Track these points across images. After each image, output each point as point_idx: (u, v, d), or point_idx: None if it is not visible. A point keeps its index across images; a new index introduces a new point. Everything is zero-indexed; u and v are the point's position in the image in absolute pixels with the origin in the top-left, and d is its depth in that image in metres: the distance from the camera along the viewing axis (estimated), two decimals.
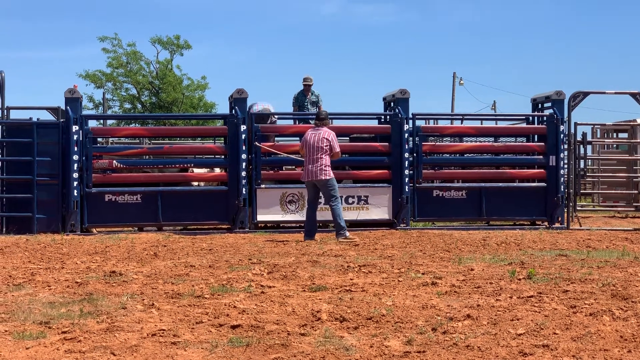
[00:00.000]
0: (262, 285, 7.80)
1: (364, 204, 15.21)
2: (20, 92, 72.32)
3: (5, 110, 15.54)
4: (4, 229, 14.46)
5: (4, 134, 14.77)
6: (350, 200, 15.17)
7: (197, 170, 15.95)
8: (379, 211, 15.20)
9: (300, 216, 14.88)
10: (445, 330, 5.73)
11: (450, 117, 21.65)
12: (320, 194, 13.18)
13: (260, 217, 14.99)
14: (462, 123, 17.98)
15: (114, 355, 5.12)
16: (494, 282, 7.90)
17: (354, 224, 14.89)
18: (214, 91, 77.67)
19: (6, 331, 5.76)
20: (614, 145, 23.20)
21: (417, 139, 15.62)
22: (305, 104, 16.81)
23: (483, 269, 8.92)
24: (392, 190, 15.27)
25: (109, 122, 31.46)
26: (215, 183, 15.71)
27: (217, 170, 15.70)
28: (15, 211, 14.57)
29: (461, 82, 52.02)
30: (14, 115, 15.94)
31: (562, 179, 15.76)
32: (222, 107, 49.98)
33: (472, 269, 8.90)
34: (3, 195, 14.70)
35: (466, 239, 12.90)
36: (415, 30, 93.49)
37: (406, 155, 15.33)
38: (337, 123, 18.44)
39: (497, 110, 52.27)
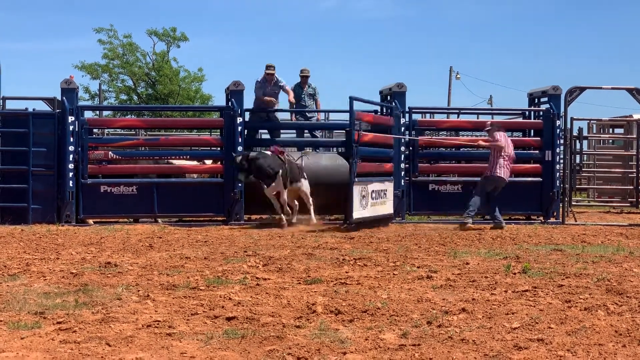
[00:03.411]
0: (257, 278, 7.81)
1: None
2: (17, 83, 72.17)
3: (2, 101, 15.53)
4: (0, 220, 14.43)
5: (0, 124, 14.74)
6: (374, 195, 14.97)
7: (190, 163, 15.94)
8: (388, 206, 15.05)
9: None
10: (440, 324, 5.74)
11: (446, 111, 21.68)
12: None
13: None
14: (458, 117, 17.97)
15: (109, 345, 5.11)
16: (489, 276, 7.91)
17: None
18: (211, 83, 77.56)
19: (1, 321, 5.76)
20: (610, 141, 23.22)
21: (413, 132, 15.63)
22: (302, 96, 16.63)
23: (478, 263, 8.93)
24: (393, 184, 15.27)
25: (105, 113, 31.41)
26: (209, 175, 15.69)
27: (209, 163, 15.73)
28: (10, 201, 14.53)
29: (457, 76, 51.97)
30: (10, 105, 15.96)
31: (557, 173, 15.76)
32: (219, 99, 49.97)
33: (467, 263, 8.91)
34: None
35: (461, 233, 12.91)
36: (413, 24, 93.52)
37: (402, 148, 15.33)
38: (333, 117, 18.49)
39: (493, 105, 52.28)
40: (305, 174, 14.29)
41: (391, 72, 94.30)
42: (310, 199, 14.06)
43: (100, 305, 6.38)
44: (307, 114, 16.62)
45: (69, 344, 5.15)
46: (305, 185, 14.18)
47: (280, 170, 13.77)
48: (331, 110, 18.01)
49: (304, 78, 16.70)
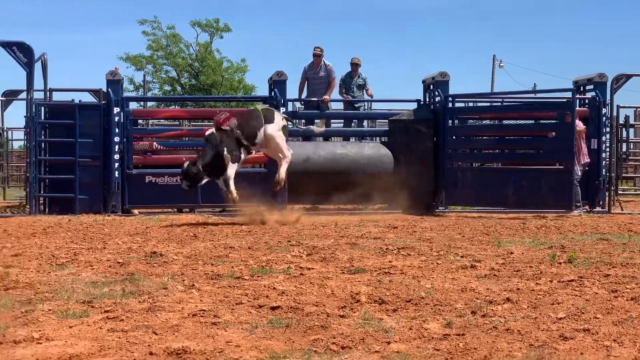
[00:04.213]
0: (301, 267, 7.83)
1: None
2: (63, 75, 73.17)
3: (48, 92, 15.73)
4: (47, 210, 14.64)
5: (47, 115, 14.95)
6: None
7: None
8: None
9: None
10: (484, 314, 5.71)
11: (489, 98, 21.42)
12: None
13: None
14: (502, 104, 17.81)
15: (156, 334, 5.17)
16: (533, 266, 7.85)
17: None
18: (254, 74, 77.80)
19: (50, 310, 5.84)
20: None
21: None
22: (352, 86, 16.42)
23: (523, 253, 8.87)
24: None
25: (149, 104, 31.67)
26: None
27: None
28: (58, 192, 14.75)
29: (501, 64, 51.45)
30: (57, 97, 16.14)
31: (603, 162, 15.57)
32: (262, 90, 50.13)
33: (511, 253, 8.85)
34: (46, 176, 14.88)
35: (505, 222, 12.82)
36: (455, 13, 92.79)
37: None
38: (376, 106, 18.41)
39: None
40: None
41: (434, 62, 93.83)
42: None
43: (146, 294, 6.45)
44: (354, 104, 16.52)
45: (117, 332, 5.22)
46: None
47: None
48: (389, 100, 17.84)
49: (355, 66, 16.44)
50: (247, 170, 15.49)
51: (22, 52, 14.66)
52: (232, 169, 12.72)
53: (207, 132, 12.75)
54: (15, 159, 26.93)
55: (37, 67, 15.17)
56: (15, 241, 10.12)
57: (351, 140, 16.74)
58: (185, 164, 12.54)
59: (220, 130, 12.62)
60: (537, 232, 11.30)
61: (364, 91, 16.54)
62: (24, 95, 17.27)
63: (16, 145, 29.86)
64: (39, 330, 5.21)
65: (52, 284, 6.91)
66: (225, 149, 12.58)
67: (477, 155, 16.75)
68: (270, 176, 14.71)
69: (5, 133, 22.48)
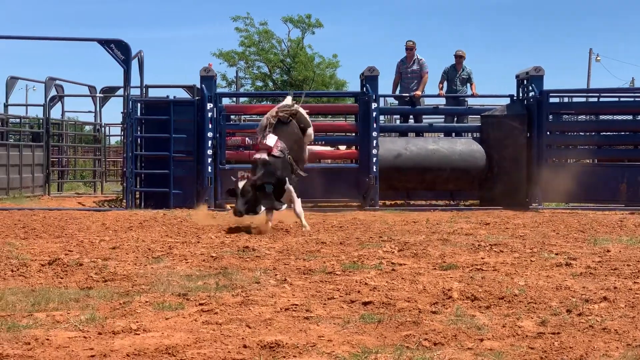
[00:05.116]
0: (392, 263, 7.82)
1: None
2: (158, 71, 74.68)
3: (144, 89, 16.07)
4: (143, 204, 14.95)
5: (143, 111, 15.26)
6: None
7: (325, 148, 16.03)
8: None
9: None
10: (580, 312, 5.61)
11: (585, 93, 20.88)
12: None
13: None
14: (598, 100, 17.40)
15: (249, 327, 5.23)
16: (631, 264, 7.67)
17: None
18: (345, 69, 77.92)
19: (147, 302, 5.97)
20: None
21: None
22: (455, 79, 16.19)
23: (620, 251, 8.67)
24: None
25: (242, 99, 32.09)
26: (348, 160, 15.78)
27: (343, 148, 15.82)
28: (153, 186, 15.04)
29: (597, 58, 50.34)
30: (152, 93, 16.48)
31: None
32: (353, 85, 50.18)
33: (608, 251, 8.66)
34: (142, 171, 15.19)
35: (601, 220, 12.54)
36: (550, 5, 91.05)
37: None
38: (468, 102, 18.22)
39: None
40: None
41: (528, 56, 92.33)
42: None
43: (239, 288, 6.53)
44: (458, 98, 16.27)
45: (211, 324, 5.31)
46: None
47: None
48: (482, 96, 17.58)
49: (459, 59, 16.13)
50: (338, 165, 15.54)
51: (120, 50, 15.03)
52: (299, 203, 11.27)
53: (260, 157, 10.80)
54: (112, 154, 27.61)
55: (134, 64, 15.52)
56: (113, 234, 10.38)
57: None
58: (241, 183, 10.66)
59: (273, 156, 10.83)
60: (635, 230, 11.03)
61: (468, 86, 16.21)
62: (121, 91, 17.76)
63: (113, 140, 30.69)
64: (137, 322, 5.34)
65: (148, 277, 7.06)
66: (287, 179, 11.01)
67: (583, 152, 16.30)
68: (363, 172, 14.74)
69: (102, 129, 23.08)
